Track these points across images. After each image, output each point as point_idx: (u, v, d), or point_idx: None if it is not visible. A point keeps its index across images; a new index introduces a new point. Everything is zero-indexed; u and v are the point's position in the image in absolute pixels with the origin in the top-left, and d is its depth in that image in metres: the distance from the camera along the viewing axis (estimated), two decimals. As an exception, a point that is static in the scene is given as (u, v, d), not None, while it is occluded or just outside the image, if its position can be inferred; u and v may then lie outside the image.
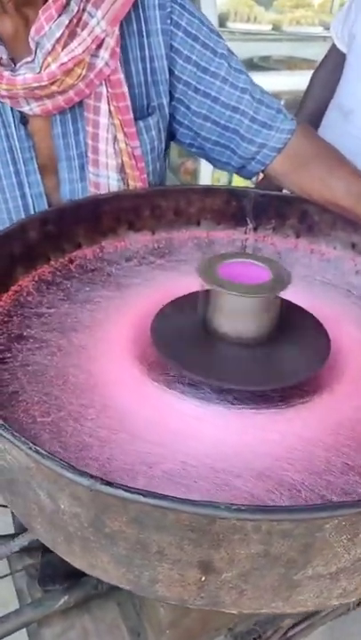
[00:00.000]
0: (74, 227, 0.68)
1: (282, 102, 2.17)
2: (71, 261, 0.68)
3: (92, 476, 0.31)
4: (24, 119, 0.66)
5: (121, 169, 0.69)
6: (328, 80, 1.09)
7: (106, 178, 0.69)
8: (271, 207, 0.74)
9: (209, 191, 0.74)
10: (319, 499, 0.40)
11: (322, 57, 1.16)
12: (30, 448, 0.33)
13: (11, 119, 0.65)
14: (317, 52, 1.81)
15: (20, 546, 0.47)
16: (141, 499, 0.30)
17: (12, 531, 0.69)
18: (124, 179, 0.69)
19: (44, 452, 0.32)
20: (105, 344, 0.55)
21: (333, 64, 1.08)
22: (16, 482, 0.38)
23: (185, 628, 0.53)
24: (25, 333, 0.56)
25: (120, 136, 0.66)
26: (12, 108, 0.64)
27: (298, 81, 1.82)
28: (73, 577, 0.58)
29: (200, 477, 0.42)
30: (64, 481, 0.32)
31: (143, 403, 0.48)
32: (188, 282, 0.64)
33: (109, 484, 0.31)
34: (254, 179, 0.83)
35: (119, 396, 0.49)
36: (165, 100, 0.71)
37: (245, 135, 0.71)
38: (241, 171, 0.76)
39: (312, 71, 1.19)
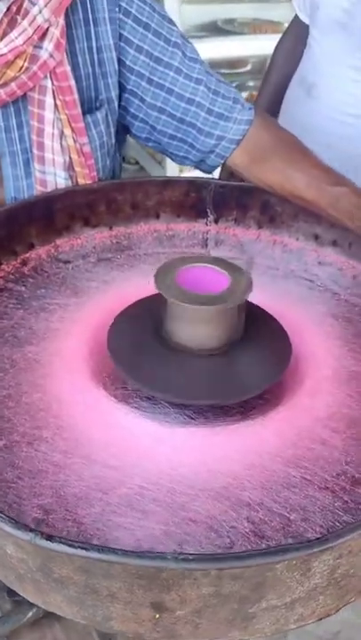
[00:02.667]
0: (25, 227, 0.65)
1: (248, 67, 2.09)
2: (24, 263, 0.65)
3: (31, 530, 0.30)
4: None
5: (69, 166, 0.65)
6: (291, 52, 1.04)
7: (53, 175, 0.65)
8: (232, 198, 0.72)
9: (167, 183, 0.71)
10: (277, 517, 0.40)
11: (288, 19, 1.11)
12: (-32, 500, 0.31)
13: None
14: (283, 14, 1.75)
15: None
16: (83, 553, 0.29)
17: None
18: (72, 177, 0.66)
19: (-18, 504, 0.31)
20: (60, 357, 0.53)
21: (296, 35, 1.03)
22: None
23: (153, 635, 0.53)
24: (-25, 348, 0.54)
25: (67, 132, 0.63)
26: None
27: (264, 45, 1.75)
28: (42, 586, 0.57)
29: (157, 501, 0.41)
30: (5, 532, 0.31)
31: (99, 422, 0.47)
32: (146, 282, 0.62)
33: (50, 537, 0.29)
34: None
35: (74, 415, 0.47)
36: (114, 93, 0.67)
37: (203, 128, 0.68)
38: (200, 165, 0.74)
39: (278, 35, 1.14)
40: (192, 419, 0.47)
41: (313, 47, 0.98)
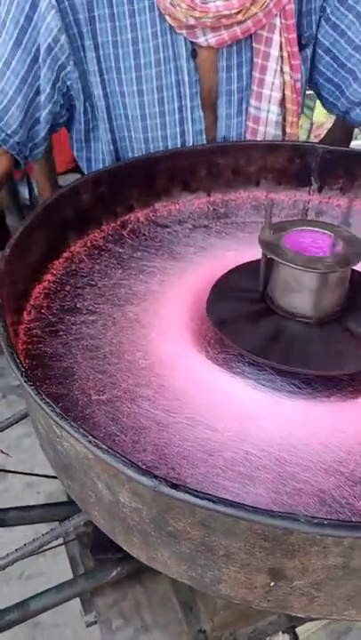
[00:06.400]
0: (127, 188, 0.64)
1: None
2: (123, 226, 0.65)
3: (155, 477, 0.28)
4: (194, 52, 0.64)
5: (281, 103, 0.67)
6: None
7: (266, 112, 0.68)
8: (339, 165, 0.67)
9: (272, 147, 0.68)
10: (396, 498, 0.37)
11: None
12: (90, 442, 0.30)
13: (183, 52, 0.63)
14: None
15: (75, 525, 0.47)
16: (210, 505, 0.27)
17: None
18: (283, 113, 0.68)
19: (104, 446, 0.30)
20: (160, 318, 0.52)
21: None
22: (72, 467, 0.37)
23: (240, 609, 0.52)
24: (78, 305, 0.54)
25: (286, 68, 0.65)
26: (185, 41, 0.62)
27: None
28: (125, 547, 0.57)
29: (265, 469, 0.39)
30: (125, 477, 0.30)
31: (201, 384, 0.45)
32: (244, 249, 0.60)
33: (175, 486, 0.28)
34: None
35: (176, 376, 0.46)
36: (315, 30, 0.68)
37: (359, 77, 0.68)
38: (346, 116, 0.74)
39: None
40: (299, 388, 0.45)
41: None
